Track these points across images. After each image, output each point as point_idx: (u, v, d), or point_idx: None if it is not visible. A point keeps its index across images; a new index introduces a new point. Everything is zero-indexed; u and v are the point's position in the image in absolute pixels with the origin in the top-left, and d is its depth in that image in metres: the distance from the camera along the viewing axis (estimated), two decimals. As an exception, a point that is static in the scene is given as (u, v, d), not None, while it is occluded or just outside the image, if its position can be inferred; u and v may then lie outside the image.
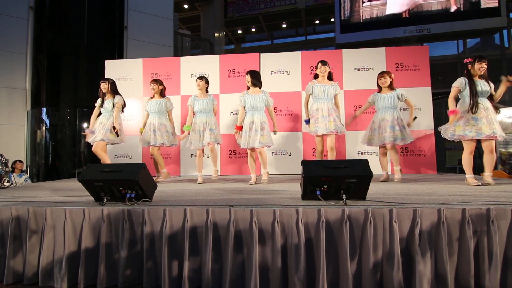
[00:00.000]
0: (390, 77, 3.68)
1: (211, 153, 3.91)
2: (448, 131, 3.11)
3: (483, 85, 3.00)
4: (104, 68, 5.36)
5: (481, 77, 3.05)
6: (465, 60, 3.08)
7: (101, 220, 1.91)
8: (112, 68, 5.36)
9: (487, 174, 3.01)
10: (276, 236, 1.78)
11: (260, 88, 3.70)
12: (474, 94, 2.97)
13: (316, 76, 3.75)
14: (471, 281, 1.69)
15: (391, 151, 3.58)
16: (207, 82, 3.98)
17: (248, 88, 3.68)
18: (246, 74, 3.68)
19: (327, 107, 3.61)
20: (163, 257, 1.81)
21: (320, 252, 1.74)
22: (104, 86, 3.89)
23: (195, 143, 3.82)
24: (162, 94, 4.02)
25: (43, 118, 6.76)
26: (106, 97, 3.92)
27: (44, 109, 6.76)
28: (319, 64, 3.67)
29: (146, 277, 1.85)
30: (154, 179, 3.78)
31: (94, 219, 1.92)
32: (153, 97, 4.02)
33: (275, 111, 5.03)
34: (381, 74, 3.70)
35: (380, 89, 3.72)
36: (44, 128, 6.76)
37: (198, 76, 3.98)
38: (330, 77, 3.72)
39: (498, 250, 1.69)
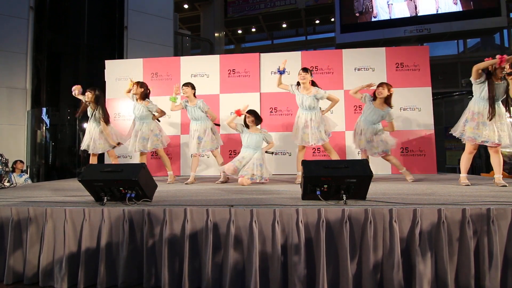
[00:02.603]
0: (389, 90, 3.47)
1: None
2: (458, 130, 3.02)
3: (498, 89, 2.86)
4: (104, 68, 5.36)
5: (501, 78, 2.86)
6: (499, 57, 2.78)
7: (101, 220, 1.91)
8: (112, 68, 5.36)
9: (497, 177, 2.93)
10: (276, 236, 1.78)
11: (260, 124, 3.71)
12: (492, 98, 2.83)
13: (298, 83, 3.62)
14: (471, 282, 1.69)
15: (385, 159, 3.71)
16: (193, 87, 3.84)
17: (248, 126, 3.64)
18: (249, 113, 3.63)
19: (304, 119, 3.57)
20: (163, 257, 1.81)
21: (320, 252, 1.73)
22: (88, 96, 3.77)
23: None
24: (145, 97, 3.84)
25: (43, 118, 6.76)
26: (90, 106, 3.83)
27: (44, 109, 6.76)
28: (300, 71, 3.52)
29: (146, 277, 1.85)
30: (168, 181, 3.83)
31: (94, 219, 1.92)
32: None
33: (275, 110, 5.04)
34: (381, 84, 3.53)
35: (374, 97, 3.56)
36: (44, 128, 6.76)
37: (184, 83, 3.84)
38: (313, 84, 3.57)
39: (498, 250, 1.69)
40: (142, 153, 3.88)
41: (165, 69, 5.28)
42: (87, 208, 1.93)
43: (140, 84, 3.81)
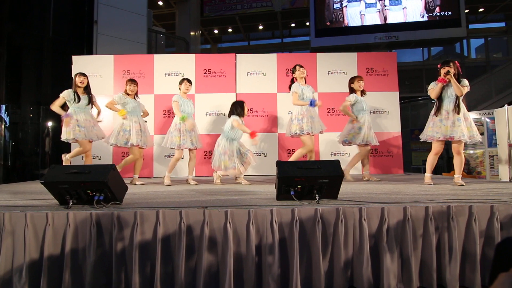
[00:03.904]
0: (363, 81, 3.92)
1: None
2: (424, 133, 3.29)
3: (450, 88, 3.13)
4: (71, 64, 5.08)
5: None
6: (439, 80, 3.16)
7: (66, 225, 1.80)
8: (81, 64, 5.08)
9: (457, 176, 3.17)
10: (251, 237, 1.79)
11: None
12: (441, 98, 3.16)
13: (292, 80, 3.82)
14: (433, 274, 1.80)
15: (367, 153, 3.90)
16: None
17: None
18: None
19: (315, 110, 3.77)
20: (133, 261, 1.75)
21: (294, 251, 1.76)
22: (84, 81, 3.70)
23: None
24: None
25: (2, 115, 6.26)
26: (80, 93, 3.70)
27: (3, 106, 6.27)
28: (297, 67, 3.74)
29: (115, 283, 1.78)
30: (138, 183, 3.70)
31: (58, 224, 1.81)
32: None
33: (251, 112, 5.06)
34: (360, 78, 3.91)
35: (352, 91, 3.89)
36: (3, 126, 6.27)
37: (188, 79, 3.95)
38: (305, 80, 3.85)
39: (457, 245, 1.81)
40: (132, 147, 3.75)
41: (137, 66, 5.12)
42: (51, 212, 1.82)
43: (136, 83, 3.88)
